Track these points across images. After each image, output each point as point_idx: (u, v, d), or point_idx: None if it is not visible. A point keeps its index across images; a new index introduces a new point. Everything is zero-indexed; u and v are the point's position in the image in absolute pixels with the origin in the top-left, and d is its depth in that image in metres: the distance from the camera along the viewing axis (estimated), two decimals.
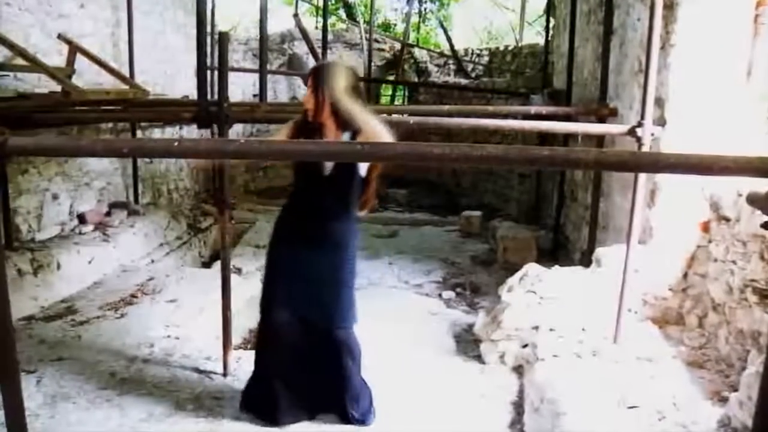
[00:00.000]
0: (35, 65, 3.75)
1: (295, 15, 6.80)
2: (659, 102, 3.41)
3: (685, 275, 3.47)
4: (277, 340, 2.94)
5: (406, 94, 11.76)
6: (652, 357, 3.12)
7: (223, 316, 3.45)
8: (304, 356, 2.94)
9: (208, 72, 3.53)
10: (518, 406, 3.28)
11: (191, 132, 7.55)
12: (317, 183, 2.79)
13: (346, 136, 2.74)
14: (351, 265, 2.93)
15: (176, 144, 1.55)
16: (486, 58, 11.39)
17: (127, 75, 6.03)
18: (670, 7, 3.34)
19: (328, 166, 2.76)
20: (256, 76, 6.49)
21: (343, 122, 2.71)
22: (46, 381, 3.38)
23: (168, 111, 4.63)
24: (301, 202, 2.93)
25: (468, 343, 4.05)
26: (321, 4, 7.78)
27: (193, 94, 5.69)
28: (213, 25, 7.98)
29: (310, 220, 2.87)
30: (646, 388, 2.82)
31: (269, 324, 2.96)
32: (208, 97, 3.74)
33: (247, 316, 5.12)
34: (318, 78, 2.74)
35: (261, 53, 3.74)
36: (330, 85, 2.68)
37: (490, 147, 1.44)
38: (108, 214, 5.99)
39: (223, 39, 3.12)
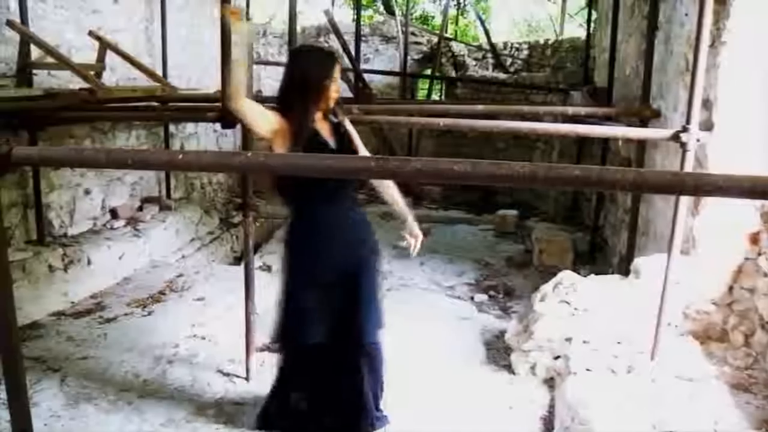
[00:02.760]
0: (63, 63, 3.74)
1: (326, 11, 6.70)
2: (707, 104, 3.20)
3: (731, 289, 3.25)
4: (306, 366, 2.75)
5: (443, 88, 11.56)
6: (693, 376, 2.93)
7: (246, 321, 3.40)
8: (329, 377, 2.76)
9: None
10: (548, 422, 3.14)
11: None
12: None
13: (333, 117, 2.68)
14: (379, 259, 2.81)
15: (180, 156, 1.47)
16: (525, 52, 11.11)
17: (160, 70, 6.04)
18: (721, 2, 3.12)
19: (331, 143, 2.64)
20: None
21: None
22: (70, 380, 3.39)
23: (193, 108, 4.58)
24: (316, 207, 2.63)
25: (499, 351, 3.92)
26: None
27: None
28: (248, 19, 7.94)
29: (334, 221, 2.63)
30: (685, 411, 2.65)
31: (297, 351, 2.75)
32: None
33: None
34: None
35: (290, 46, 3.66)
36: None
37: (516, 165, 1.31)
38: (140, 208, 6.02)
39: None
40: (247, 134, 3.27)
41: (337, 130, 2.67)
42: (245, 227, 3.36)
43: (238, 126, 3.37)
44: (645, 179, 1.28)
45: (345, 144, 2.65)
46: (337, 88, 2.60)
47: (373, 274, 2.75)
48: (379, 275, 2.81)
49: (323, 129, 2.63)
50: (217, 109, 3.30)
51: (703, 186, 1.26)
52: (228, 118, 3.10)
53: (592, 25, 7.76)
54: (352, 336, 2.69)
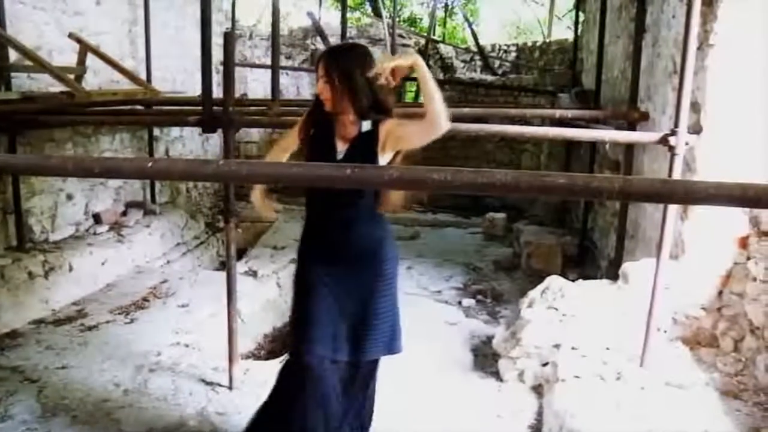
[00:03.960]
0: (41, 66, 3.65)
1: (310, 13, 6.64)
2: (695, 107, 3.17)
3: (720, 294, 3.22)
4: (304, 388, 2.45)
5: None
6: (682, 383, 2.89)
7: (228, 329, 3.33)
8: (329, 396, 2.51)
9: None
10: (536, 430, 3.09)
11: None
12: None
13: (366, 125, 2.33)
14: (392, 282, 2.50)
15: (150, 165, 1.40)
16: (513, 54, 11.12)
17: (144, 72, 5.95)
18: (709, 3, 3.09)
19: (339, 154, 2.37)
20: (281, 71, 6.35)
21: (363, 109, 2.31)
22: (48, 391, 3.29)
23: (175, 111, 4.50)
24: (317, 212, 2.50)
25: (486, 358, 3.86)
26: None
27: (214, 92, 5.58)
28: (234, 20, 7.86)
29: (332, 233, 2.45)
30: (675, 419, 2.61)
31: (299, 370, 2.46)
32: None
33: (262, 321, 5.01)
34: (332, 62, 2.32)
35: (273, 49, 3.61)
36: (348, 68, 2.28)
37: (498, 173, 1.26)
38: (124, 213, 5.92)
39: (229, 38, 2.97)
40: (230, 139, 3.22)
41: (361, 138, 2.35)
42: (227, 233, 3.29)
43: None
44: (633, 187, 1.23)
45: (360, 155, 2.32)
46: (320, 88, 2.34)
47: (381, 292, 2.48)
48: (392, 295, 2.52)
49: (344, 134, 2.39)
50: (199, 113, 3.23)
51: (693, 194, 1.21)
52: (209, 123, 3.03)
53: (580, 27, 7.74)
54: (356, 354, 2.49)
